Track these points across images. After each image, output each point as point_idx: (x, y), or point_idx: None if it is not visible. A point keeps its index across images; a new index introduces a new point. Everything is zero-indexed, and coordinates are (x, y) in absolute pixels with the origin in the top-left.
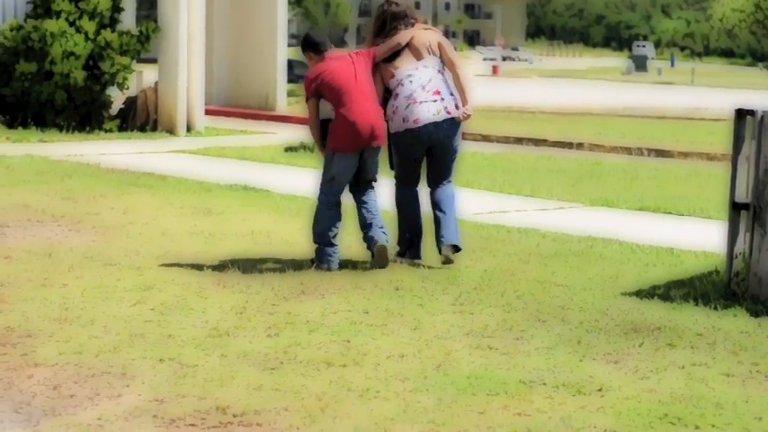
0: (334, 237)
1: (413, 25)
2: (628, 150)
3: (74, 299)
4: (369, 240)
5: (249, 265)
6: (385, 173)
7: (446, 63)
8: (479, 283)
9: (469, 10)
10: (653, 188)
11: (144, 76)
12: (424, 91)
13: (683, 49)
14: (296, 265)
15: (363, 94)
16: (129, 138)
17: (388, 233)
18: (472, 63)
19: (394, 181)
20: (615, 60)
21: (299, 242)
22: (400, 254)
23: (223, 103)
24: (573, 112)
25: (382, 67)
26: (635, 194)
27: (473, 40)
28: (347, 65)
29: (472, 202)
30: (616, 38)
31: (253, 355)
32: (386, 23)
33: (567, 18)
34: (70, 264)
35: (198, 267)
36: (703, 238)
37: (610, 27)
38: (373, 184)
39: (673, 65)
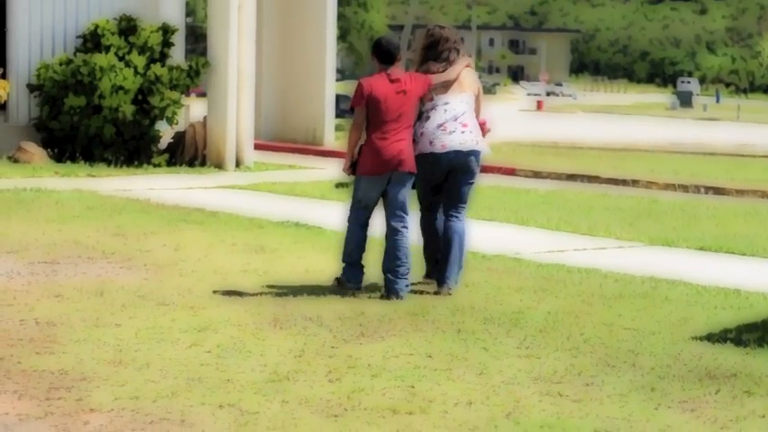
0: (361, 257)
1: (458, 53)
2: (684, 188)
3: (128, 340)
4: (387, 284)
5: (305, 305)
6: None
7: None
8: (544, 325)
9: (514, 45)
10: (712, 227)
11: (191, 111)
12: (455, 122)
13: (727, 85)
14: (353, 306)
15: (401, 124)
16: (178, 173)
17: (409, 280)
18: (517, 98)
19: (418, 206)
20: (659, 96)
21: None
22: (427, 275)
23: (270, 137)
24: (621, 148)
25: None
26: (694, 233)
27: (517, 75)
28: (398, 92)
29: (529, 240)
30: (660, 74)
31: (315, 402)
32: (437, 44)
33: (611, 54)
34: (123, 303)
35: (253, 307)
36: None
37: (654, 63)
38: (404, 220)
39: (718, 101)
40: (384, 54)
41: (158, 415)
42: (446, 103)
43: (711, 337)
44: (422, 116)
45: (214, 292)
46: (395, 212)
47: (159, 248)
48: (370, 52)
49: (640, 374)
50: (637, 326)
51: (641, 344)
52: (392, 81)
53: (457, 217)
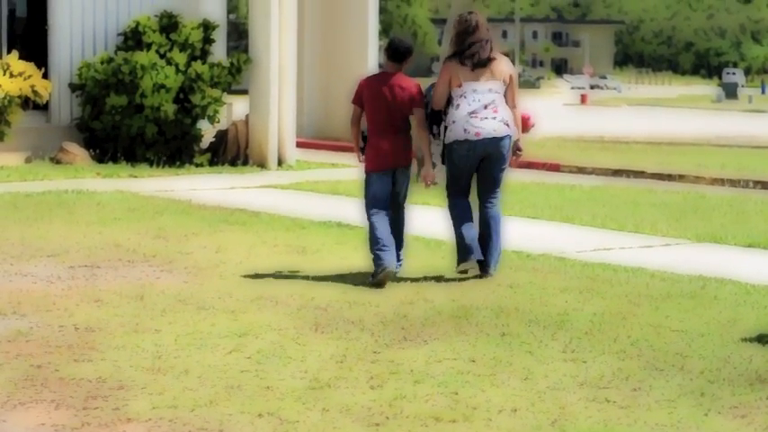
0: (387, 239)
1: (490, 38)
2: (732, 183)
3: (167, 346)
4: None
5: (347, 309)
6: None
7: (507, 99)
8: (590, 327)
9: (557, 38)
10: (761, 223)
11: (233, 108)
12: (486, 109)
13: None
14: (395, 309)
15: (393, 123)
16: (220, 172)
17: (402, 259)
18: (561, 92)
19: (446, 193)
20: (705, 88)
21: (398, 284)
22: (460, 261)
23: (313, 135)
24: (667, 141)
25: (455, 69)
26: (743, 230)
27: (560, 68)
28: (390, 93)
29: (574, 238)
30: (705, 65)
31: (356, 409)
32: (468, 31)
33: (655, 45)
34: (162, 307)
35: (294, 311)
36: None
37: (699, 54)
38: (404, 206)
39: (764, 92)
40: (394, 52)
41: (196, 425)
42: (474, 91)
43: (762, 339)
44: (451, 103)
45: (255, 295)
46: (398, 208)
47: (200, 250)
48: (384, 50)
49: (689, 378)
50: (685, 327)
51: (690, 346)
52: (389, 83)
53: (493, 203)
